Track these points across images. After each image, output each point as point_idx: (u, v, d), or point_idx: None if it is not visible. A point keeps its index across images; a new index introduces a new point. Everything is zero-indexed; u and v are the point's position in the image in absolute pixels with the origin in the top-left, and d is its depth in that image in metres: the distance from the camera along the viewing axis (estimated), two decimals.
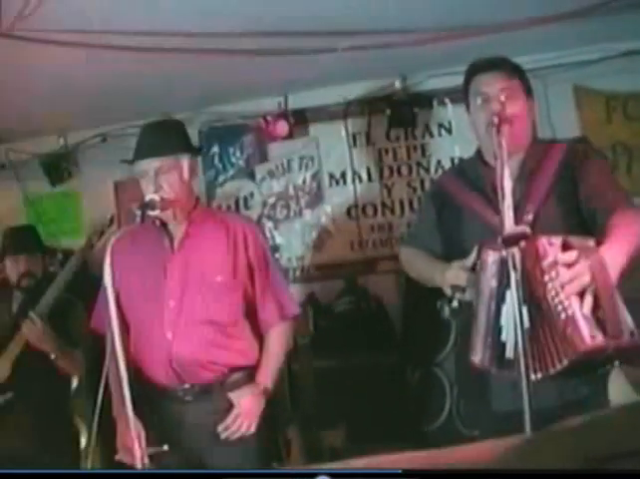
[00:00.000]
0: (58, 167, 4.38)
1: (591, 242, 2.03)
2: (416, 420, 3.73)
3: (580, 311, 1.92)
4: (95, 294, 2.73)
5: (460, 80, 2.47)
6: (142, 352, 2.61)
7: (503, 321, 2.05)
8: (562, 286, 1.93)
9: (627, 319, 1.95)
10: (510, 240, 1.94)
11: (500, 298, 2.07)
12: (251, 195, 4.35)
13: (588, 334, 1.89)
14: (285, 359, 2.84)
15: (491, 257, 2.08)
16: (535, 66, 3.42)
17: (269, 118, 4.15)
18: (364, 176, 4.23)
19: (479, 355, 2.11)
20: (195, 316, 2.57)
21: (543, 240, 1.98)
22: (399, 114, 4.06)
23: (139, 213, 2.42)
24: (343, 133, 4.22)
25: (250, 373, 2.63)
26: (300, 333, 3.51)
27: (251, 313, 2.68)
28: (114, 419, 2.58)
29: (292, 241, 4.29)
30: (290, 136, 4.18)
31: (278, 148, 4.28)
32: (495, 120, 2.18)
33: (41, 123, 4.09)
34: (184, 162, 2.62)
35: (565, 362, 1.93)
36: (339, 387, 3.72)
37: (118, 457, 2.55)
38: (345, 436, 3.69)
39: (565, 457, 1.04)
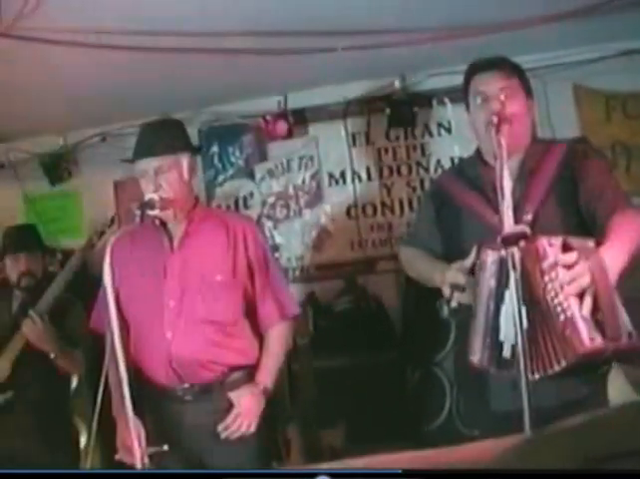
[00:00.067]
0: (58, 166, 4.38)
1: (591, 243, 2.02)
2: (416, 420, 3.73)
3: (579, 313, 1.92)
4: (95, 294, 2.73)
5: (459, 79, 2.47)
6: (141, 352, 2.61)
7: (502, 321, 2.05)
8: (562, 287, 1.93)
9: (625, 321, 1.95)
10: (510, 240, 1.93)
11: (500, 298, 2.06)
12: (251, 194, 4.35)
13: (587, 336, 1.90)
14: (285, 359, 2.84)
15: (491, 257, 2.08)
16: (535, 65, 3.42)
17: (269, 117, 4.15)
18: (363, 175, 4.23)
19: (477, 355, 2.11)
20: (195, 316, 2.57)
21: (544, 241, 1.98)
22: (398, 113, 4.06)
23: (138, 212, 2.42)
24: (342, 132, 4.22)
25: (250, 373, 2.63)
26: (300, 333, 3.51)
27: (251, 313, 2.68)
28: (113, 419, 2.58)
29: (292, 241, 4.29)
30: (290, 135, 4.18)
31: (278, 147, 4.28)
32: (495, 119, 2.17)
33: (41, 123, 4.08)
34: (184, 161, 2.62)
35: (564, 364, 1.93)
36: (339, 387, 3.72)
37: (118, 457, 2.55)
38: (345, 436, 3.68)
39: (565, 457, 1.04)
